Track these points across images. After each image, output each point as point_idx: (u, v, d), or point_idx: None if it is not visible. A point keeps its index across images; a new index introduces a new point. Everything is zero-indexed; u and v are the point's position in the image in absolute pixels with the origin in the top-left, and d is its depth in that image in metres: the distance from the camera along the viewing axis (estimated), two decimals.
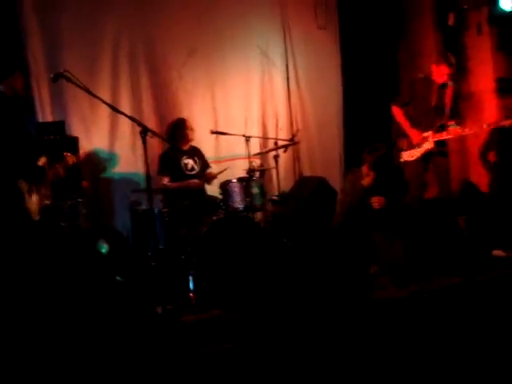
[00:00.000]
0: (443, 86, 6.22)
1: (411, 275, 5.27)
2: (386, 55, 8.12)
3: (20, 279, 4.29)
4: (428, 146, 6.15)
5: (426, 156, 6.21)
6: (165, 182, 6.15)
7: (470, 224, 6.60)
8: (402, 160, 6.23)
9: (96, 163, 6.58)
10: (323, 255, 5.53)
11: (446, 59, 6.23)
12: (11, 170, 4.30)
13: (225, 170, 6.36)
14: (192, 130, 6.41)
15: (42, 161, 4.69)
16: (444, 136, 6.16)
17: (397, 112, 6.28)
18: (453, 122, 6.20)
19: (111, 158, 6.68)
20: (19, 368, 3.64)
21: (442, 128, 6.18)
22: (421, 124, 6.19)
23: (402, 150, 6.25)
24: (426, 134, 6.15)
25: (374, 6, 7.99)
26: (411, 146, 6.19)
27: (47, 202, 4.75)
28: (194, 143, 6.56)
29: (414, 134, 6.16)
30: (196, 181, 6.27)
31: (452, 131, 6.14)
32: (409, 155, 6.21)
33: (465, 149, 8.13)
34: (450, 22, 7.56)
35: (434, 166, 6.29)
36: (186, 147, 6.42)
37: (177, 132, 6.36)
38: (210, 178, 6.40)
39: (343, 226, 5.78)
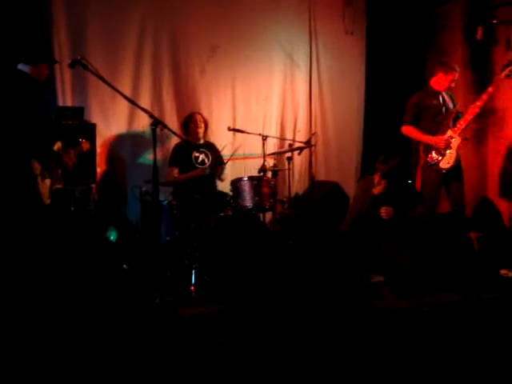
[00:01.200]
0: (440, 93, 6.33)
1: (414, 288, 5.25)
2: (412, 66, 8.06)
3: (27, 261, 4.37)
4: (457, 142, 6.14)
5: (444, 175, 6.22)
6: (174, 174, 6.24)
7: (482, 241, 6.54)
8: (443, 171, 6.17)
9: (113, 152, 6.64)
10: (327, 260, 5.53)
11: (443, 67, 6.29)
12: (26, 151, 4.38)
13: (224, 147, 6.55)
14: (201, 125, 6.47)
15: (57, 145, 4.77)
16: (464, 123, 6.17)
17: (410, 130, 6.26)
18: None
19: (130, 148, 6.76)
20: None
21: (457, 120, 6.21)
22: (433, 134, 6.18)
23: (437, 163, 6.19)
24: (448, 134, 6.14)
25: (403, 13, 7.95)
26: (442, 153, 6.16)
27: (59, 186, 4.82)
28: (210, 139, 6.61)
29: (438, 139, 6.13)
30: (198, 170, 6.33)
31: (468, 113, 6.18)
32: (446, 162, 6.16)
33: (484, 166, 8.06)
34: (479, 36, 7.46)
35: (449, 186, 6.32)
36: (199, 141, 6.48)
37: (187, 125, 6.47)
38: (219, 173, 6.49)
39: (350, 232, 5.76)
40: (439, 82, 6.27)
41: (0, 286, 4.28)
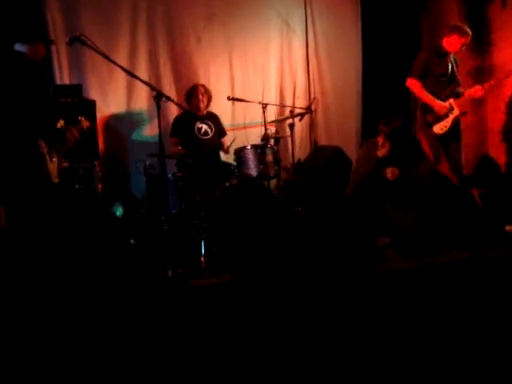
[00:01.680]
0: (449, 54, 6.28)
1: (421, 248, 5.29)
2: (408, 24, 8.02)
3: (39, 241, 4.39)
4: (455, 113, 6.13)
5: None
6: (172, 145, 6.26)
7: (485, 199, 6.57)
8: (435, 134, 6.18)
9: (114, 128, 6.63)
10: (334, 224, 5.56)
11: (458, 29, 6.22)
12: (32, 131, 4.38)
13: (233, 140, 6.43)
14: (203, 97, 6.43)
15: (59, 123, 4.77)
16: (467, 98, 6.19)
17: (415, 85, 6.17)
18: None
19: (130, 123, 6.75)
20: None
21: (459, 94, 6.22)
22: (435, 94, 6.16)
23: (431, 124, 6.19)
24: (448, 103, 6.14)
25: None
26: (439, 118, 6.15)
27: (65, 164, 4.83)
28: (211, 109, 6.59)
29: (438, 105, 6.11)
30: None
31: (472, 90, 6.18)
32: (439, 128, 6.17)
33: (483, 123, 8.06)
34: None
35: (448, 147, 6.31)
36: (201, 112, 6.47)
37: (190, 98, 6.44)
38: (226, 150, 6.52)
39: (355, 196, 5.79)
40: (452, 43, 6.20)
41: (11, 270, 4.31)
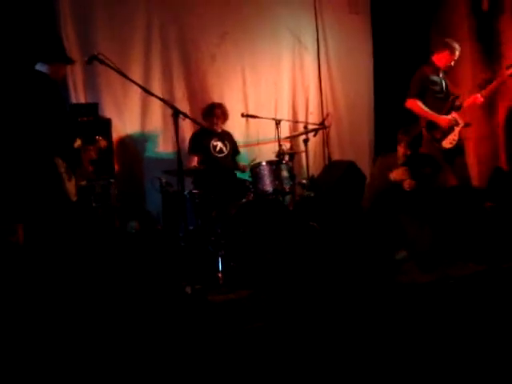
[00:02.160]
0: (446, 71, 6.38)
1: (438, 261, 5.29)
2: (418, 38, 8.06)
3: (58, 259, 4.42)
4: (460, 125, 6.17)
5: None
6: (195, 163, 6.32)
7: (497, 211, 6.56)
8: (445, 148, 6.19)
9: (129, 146, 6.68)
10: (351, 239, 5.57)
11: (450, 46, 6.28)
12: (50, 150, 4.42)
13: (253, 160, 6.46)
14: (221, 117, 6.51)
15: (77, 143, 4.82)
16: (468, 107, 6.26)
17: (416, 105, 6.21)
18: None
19: (145, 141, 6.80)
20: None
21: (459, 107, 6.27)
22: (437, 109, 6.21)
23: (439, 140, 6.21)
24: (452, 116, 6.17)
25: None
26: (445, 133, 6.18)
27: (83, 183, 4.87)
28: (225, 127, 6.64)
29: (442, 119, 6.16)
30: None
31: (471, 99, 6.25)
32: (449, 142, 6.19)
33: (496, 135, 8.07)
34: (485, 6, 7.46)
35: (453, 162, 6.33)
36: (217, 130, 6.52)
37: (208, 116, 6.49)
38: (242, 169, 6.57)
39: (371, 210, 5.80)
40: (443, 59, 6.29)
41: (27, 285, 4.34)
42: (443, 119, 6.15)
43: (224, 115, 6.54)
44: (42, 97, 4.44)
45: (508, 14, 7.71)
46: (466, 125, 6.26)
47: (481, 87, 7.32)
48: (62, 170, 4.47)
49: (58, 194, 4.44)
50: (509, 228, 5.97)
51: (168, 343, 3.68)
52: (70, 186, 4.53)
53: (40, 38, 4.99)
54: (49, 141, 4.42)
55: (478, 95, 6.24)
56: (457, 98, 6.31)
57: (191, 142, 6.46)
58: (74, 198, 4.61)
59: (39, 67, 4.54)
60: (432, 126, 6.20)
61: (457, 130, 6.17)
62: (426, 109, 6.19)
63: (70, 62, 4.85)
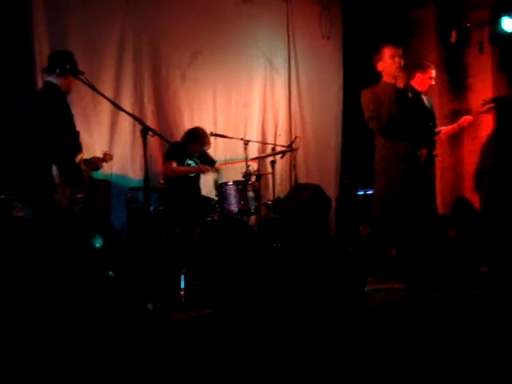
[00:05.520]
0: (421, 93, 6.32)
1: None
2: None
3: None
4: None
5: None
6: (174, 166, 6.27)
7: (460, 239, 6.67)
8: None
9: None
10: (315, 262, 5.60)
11: (424, 65, 6.28)
12: (51, 160, 4.45)
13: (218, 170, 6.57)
14: (207, 146, 6.57)
15: (79, 156, 4.88)
16: (439, 140, 6.25)
17: None
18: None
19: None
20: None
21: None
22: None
23: None
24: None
25: (377, 18, 8.07)
26: None
27: (80, 195, 4.89)
28: None
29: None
30: (203, 166, 6.46)
31: (443, 133, 6.21)
32: None
33: (460, 165, 8.22)
34: (453, 39, 7.59)
35: None
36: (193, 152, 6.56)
37: (197, 139, 6.49)
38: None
39: None
40: (419, 82, 6.30)
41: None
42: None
43: (209, 143, 6.59)
44: (52, 108, 4.50)
45: (475, 47, 7.89)
46: (435, 156, 6.27)
47: (448, 118, 7.47)
48: (57, 180, 4.49)
49: (49, 203, 4.47)
50: (472, 255, 6.07)
51: (127, 360, 3.66)
52: (63, 197, 4.55)
53: (54, 52, 5.05)
54: (51, 150, 4.45)
55: (449, 128, 6.26)
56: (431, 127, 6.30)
57: (171, 149, 6.33)
58: (65, 209, 4.64)
59: (51, 79, 4.58)
60: None
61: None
62: None
63: (81, 73, 4.86)
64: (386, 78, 5.61)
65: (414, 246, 5.39)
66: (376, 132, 5.46)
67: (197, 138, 6.49)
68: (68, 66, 4.63)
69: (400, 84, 5.35)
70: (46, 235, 4.51)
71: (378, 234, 5.38)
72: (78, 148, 4.93)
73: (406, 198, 5.23)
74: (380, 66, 5.63)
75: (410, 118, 5.39)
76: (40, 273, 4.48)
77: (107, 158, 5.47)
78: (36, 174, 4.46)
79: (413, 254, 5.39)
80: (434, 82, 6.29)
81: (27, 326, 4.08)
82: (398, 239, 5.95)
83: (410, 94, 5.49)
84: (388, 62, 5.52)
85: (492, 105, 6.27)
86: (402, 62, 5.44)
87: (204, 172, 6.49)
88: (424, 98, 6.27)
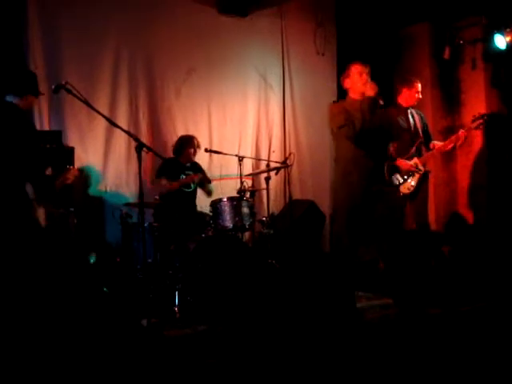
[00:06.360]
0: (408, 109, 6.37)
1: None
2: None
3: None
4: (419, 173, 6.18)
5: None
6: (163, 183, 6.26)
7: (454, 255, 6.68)
8: (400, 194, 6.20)
9: (87, 178, 6.65)
10: (310, 278, 5.59)
11: (409, 80, 6.40)
12: (21, 177, 4.43)
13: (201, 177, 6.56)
14: (196, 150, 6.58)
15: (48, 170, 4.84)
16: (431, 156, 6.37)
17: None
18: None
19: (102, 174, 6.77)
20: None
21: (422, 146, 6.33)
22: (400, 151, 6.26)
23: (397, 185, 6.21)
24: (413, 161, 6.22)
25: (371, 35, 8.12)
26: (404, 178, 6.20)
27: (55, 209, 4.87)
28: None
29: (403, 163, 6.18)
30: (191, 176, 6.44)
31: (436, 150, 6.32)
32: (406, 188, 6.20)
33: (454, 181, 8.24)
34: (446, 55, 7.64)
35: (413, 203, 6.33)
36: (186, 162, 6.56)
37: (183, 148, 6.52)
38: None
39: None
40: (405, 97, 6.35)
41: None
42: (404, 163, 6.18)
43: (199, 146, 6.59)
44: (11, 127, 4.46)
45: (468, 64, 7.94)
46: (427, 172, 6.31)
47: (442, 134, 7.50)
48: (33, 197, 4.47)
49: (29, 221, 4.44)
50: (465, 271, 6.07)
51: (122, 377, 3.65)
52: (40, 213, 4.53)
53: (12, 71, 5.00)
54: (18, 169, 4.43)
55: (442, 145, 6.32)
56: (422, 142, 6.35)
57: (162, 167, 6.37)
58: (44, 224, 4.62)
59: (9, 98, 4.57)
60: (393, 169, 6.23)
61: (415, 177, 6.21)
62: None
63: (40, 94, 4.86)
64: (352, 95, 5.76)
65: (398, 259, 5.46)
66: (346, 140, 5.59)
67: (186, 141, 6.53)
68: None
69: (371, 93, 5.48)
70: (25, 251, 4.46)
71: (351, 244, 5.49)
72: (46, 162, 4.90)
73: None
74: (347, 84, 5.80)
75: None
76: (34, 289, 4.44)
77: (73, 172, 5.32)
78: (9, 192, 4.43)
79: (399, 267, 5.45)
80: (420, 96, 6.38)
81: (20, 339, 4.06)
82: (385, 253, 6.00)
83: (381, 102, 5.56)
84: (355, 79, 5.67)
85: (481, 121, 6.30)
86: (369, 79, 5.63)
87: (195, 181, 6.46)
88: (414, 112, 6.35)
